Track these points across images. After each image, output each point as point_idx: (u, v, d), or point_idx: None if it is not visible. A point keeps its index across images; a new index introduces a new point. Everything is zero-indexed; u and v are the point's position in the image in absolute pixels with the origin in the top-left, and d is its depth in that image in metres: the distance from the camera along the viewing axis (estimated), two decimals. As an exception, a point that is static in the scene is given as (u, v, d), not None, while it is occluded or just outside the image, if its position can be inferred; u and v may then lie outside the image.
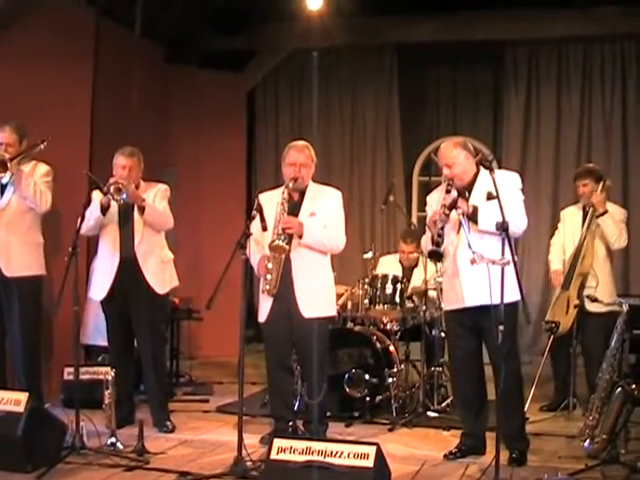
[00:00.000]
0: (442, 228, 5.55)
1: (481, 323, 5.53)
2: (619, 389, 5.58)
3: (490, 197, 5.52)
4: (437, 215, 5.54)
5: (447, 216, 5.54)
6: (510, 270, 5.17)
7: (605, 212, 7.07)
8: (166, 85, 10.25)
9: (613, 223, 7.12)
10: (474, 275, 5.43)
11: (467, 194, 5.67)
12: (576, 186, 7.37)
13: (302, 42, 10.68)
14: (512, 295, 5.32)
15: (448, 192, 5.61)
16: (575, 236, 7.25)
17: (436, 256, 5.69)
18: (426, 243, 5.80)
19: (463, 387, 5.93)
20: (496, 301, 5.05)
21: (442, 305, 7.34)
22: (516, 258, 5.61)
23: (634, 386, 5.54)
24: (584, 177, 7.26)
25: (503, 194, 5.33)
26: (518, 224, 5.53)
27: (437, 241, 5.56)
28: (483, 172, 5.70)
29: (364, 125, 11.51)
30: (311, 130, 11.26)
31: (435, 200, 5.86)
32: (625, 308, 5.96)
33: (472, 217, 5.50)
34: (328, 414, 6.34)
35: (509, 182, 5.66)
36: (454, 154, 5.67)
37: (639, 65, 10.58)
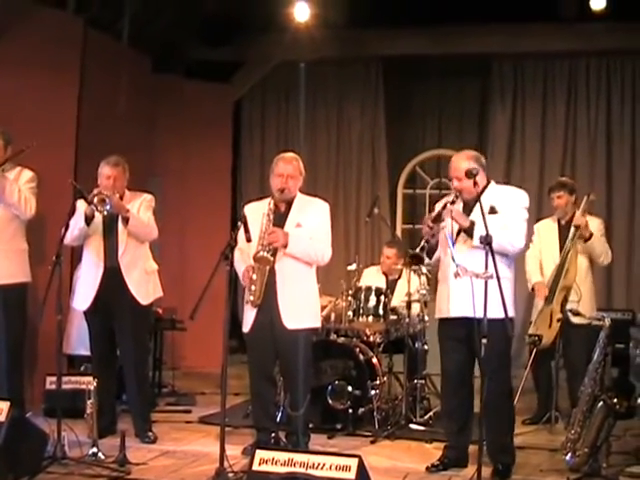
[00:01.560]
0: (433, 235, 5.56)
1: (473, 336, 5.48)
2: (601, 403, 5.61)
3: (492, 211, 5.55)
4: (425, 222, 5.58)
5: (430, 228, 5.56)
6: (504, 286, 5.21)
7: (591, 235, 7.13)
8: (153, 95, 10.24)
9: (600, 244, 7.22)
10: (462, 286, 5.41)
11: (474, 203, 5.63)
12: (550, 198, 7.45)
13: (289, 54, 10.74)
14: (510, 311, 5.35)
15: (453, 203, 5.62)
16: (552, 249, 7.28)
17: (416, 259, 5.72)
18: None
19: (450, 399, 5.91)
20: (488, 315, 5.05)
21: (425, 318, 7.38)
22: (510, 274, 5.64)
23: (616, 400, 5.56)
24: (558, 189, 7.35)
25: (505, 210, 5.45)
26: (513, 242, 5.54)
27: (423, 245, 5.60)
28: (492, 186, 5.74)
29: (350, 137, 11.57)
30: (297, 141, 11.31)
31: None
32: (607, 322, 5.98)
33: (468, 231, 5.49)
34: (310, 425, 6.31)
35: (514, 199, 5.68)
36: (465, 166, 5.64)
37: (624, 81, 10.68)
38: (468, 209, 5.65)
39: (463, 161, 5.71)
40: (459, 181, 5.66)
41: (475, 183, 5.46)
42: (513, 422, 5.86)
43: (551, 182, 7.80)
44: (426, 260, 5.90)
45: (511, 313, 5.46)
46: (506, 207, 5.58)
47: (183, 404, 7.95)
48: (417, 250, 5.64)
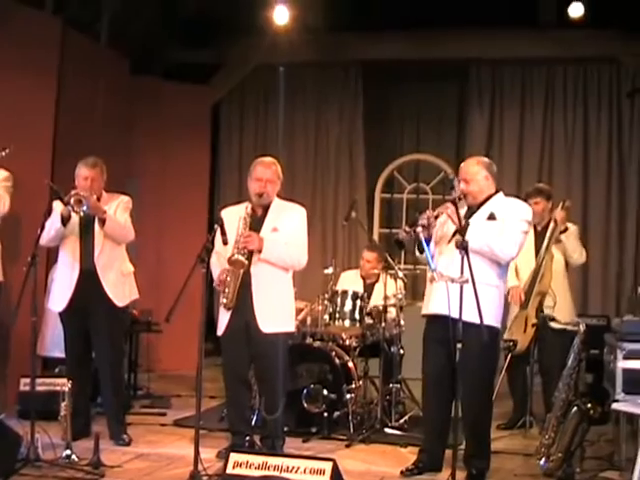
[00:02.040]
0: (428, 226, 5.57)
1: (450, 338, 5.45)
2: (575, 408, 5.64)
3: (491, 217, 5.60)
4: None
5: (407, 233, 5.58)
6: (491, 294, 5.34)
7: (566, 229, 7.19)
8: (131, 96, 10.20)
9: (575, 240, 7.26)
10: (444, 286, 5.39)
11: (477, 208, 5.70)
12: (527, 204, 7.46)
13: (268, 57, 10.73)
14: (490, 319, 5.41)
15: (454, 203, 5.60)
16: (528, 255, 7.27)
17: (398, 245, 5.73)
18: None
19: (430, 403, 5.90)
20: (465, 318, 5.08)
21: (401, 322, 7.40)
22: (500, 283, 5.65)
23: (590, 405, 5.59)
24: (535, 196, 7.35)
25: (505, 218, 5.51)
26: (503, 249, 5.52)
27: (410, 230, 5.59)
28: (499, 196, 5.76)
29: (328, 141, 11.58)
30: (275, 145, 11.30)
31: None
32: (582, 328, 6.01)
33: (461, 232, 5.43)
34: (286, 429, 6.31)
35: (515, 210, 5.69)
36: (474, 170, 5.72)
37: (600, 88, 10.78)
38: (470, 213, 5.69)
39: (473, 165, 5.77)
40: (466, 184, 5.70)
41: (452, 187, 5.50)
42: (489, 427, 5.87)
43: (528, 187, 7.82)
44: (417, 253, 5.88)
45: (493, 321, 5.51)
46: (506, 216, 5.60)
47: (158, 407, 7.93)
48: (400, 237, 5.66)
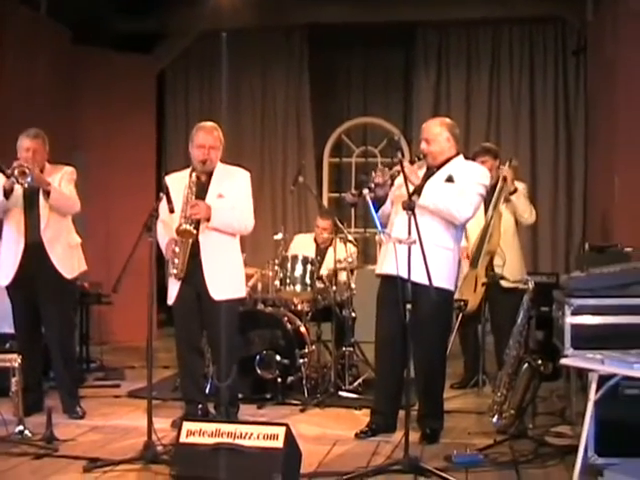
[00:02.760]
0: (369, 189, 5.54)
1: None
2: (526, 365, 5.70)
3: (449, 180, 5.61)
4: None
5: (353, 196, 5.58)
6: (445, 256, 5.44)
7: (516, 190, 7.22)
8: (74, 68, 10.07)
9: (524, 200, 7.30)
10: (398, 248, 5.37)
11: (437, 169, 5.71)
12: None
13: (212, 23, 10.60)
14: (443, 281, 5.46)
15: (412, 163, 5.62)
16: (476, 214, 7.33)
17: (351, 205, 5.75)
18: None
19: (383, 365, 5.92)
20: (415, 279, 5.04)
21: (352, 285, 7.41)
22: (453, 245, 5.67)
23: (540, 362, 5.65)
24: (483, 154, 7.34)
25: (462, 181, 5.53)
26: (460, 209, 5.54)
27: (356, 192, 5.61)
28: (459, 159, 5.77)
29: (274, 106, 11.53)
30: (221, 112, 11.20)
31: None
32: (531, 286, 6.05)
33: (417, 190, 5.47)
34: (240, 396, 6.31)
35: (473, 173, 5.72)
36: (437, 131, 5.72)
37: (546, 48, 10.85)
38: (429, 174, 5.70)
39: (436, 126, 5.78)
40: (427, 144, 5.71)
41: (399, 148, 5.50)
42: (442, 387, 5.93)
43: (476, 148, 7.84)
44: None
45: (445, 284, 5.56)
46: (464, 178, 5.62)
47: (112, 379, 7.90)
48: (353, 193, 5.67)
